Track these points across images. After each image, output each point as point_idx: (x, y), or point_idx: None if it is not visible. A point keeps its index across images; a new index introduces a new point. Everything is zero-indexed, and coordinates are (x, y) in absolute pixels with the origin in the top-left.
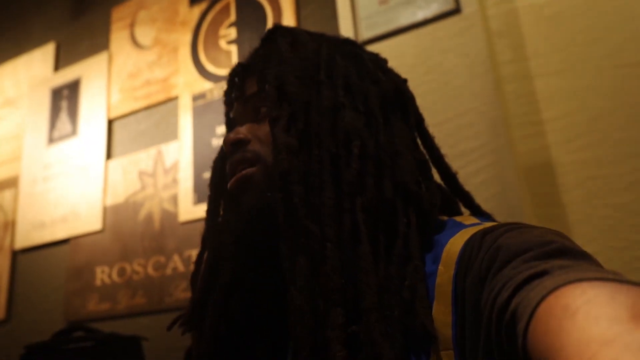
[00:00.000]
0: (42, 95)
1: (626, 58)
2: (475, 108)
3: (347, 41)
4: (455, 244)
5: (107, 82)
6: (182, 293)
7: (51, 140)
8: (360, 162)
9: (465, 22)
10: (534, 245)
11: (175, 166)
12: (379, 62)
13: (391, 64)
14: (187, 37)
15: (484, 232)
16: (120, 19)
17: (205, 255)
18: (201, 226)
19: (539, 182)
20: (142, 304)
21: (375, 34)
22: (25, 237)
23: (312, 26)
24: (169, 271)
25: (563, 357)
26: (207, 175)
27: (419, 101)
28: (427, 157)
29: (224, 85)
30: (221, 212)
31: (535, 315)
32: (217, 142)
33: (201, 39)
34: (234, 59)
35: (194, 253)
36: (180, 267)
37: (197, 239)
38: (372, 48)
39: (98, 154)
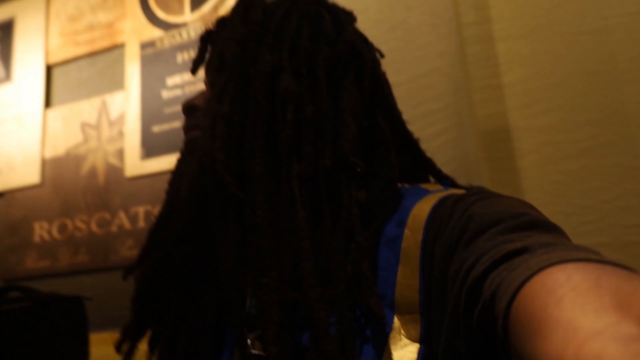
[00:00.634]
0: None
1: (586, 25)
2: (439, 68)
3: (313, 0)
4: (421, 208)
5: (45, 24)
6: (129, 251)
7: None
8: (295, 128)
9: None
10: (506, 217)
11: (121, 118)
12: (341, 22)
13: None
14: None
15: (456, 200)
16: None
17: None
18: (149, 182)
19: (495, 147)
20: (85, 261)
21: None
22: None
23: None
24: (114, 228)
25: (549, 345)
26: (156, 128)
27: (382, 60)
28: (386, 126)
29: (175, 34)
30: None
31: (518, 297)
32: (168, 94)
33: None
34: (187, 7)
35: (141, 210)
36: (127, 224)
37: (145, 196)
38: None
39: (35, 102)
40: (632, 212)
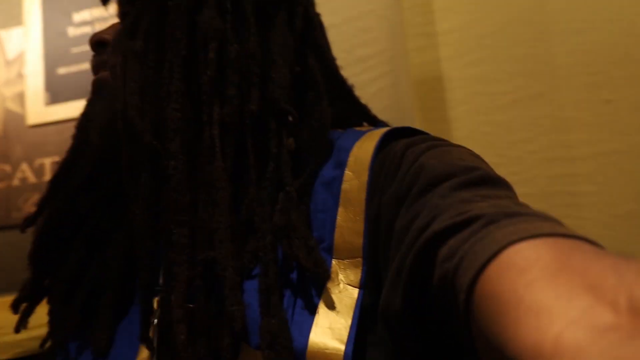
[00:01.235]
0: None
1: None
2: (375, 11)
3: None
4: (364, 148)
5: None
6: (34, 207)
7: None
8: (218, 69)
9: None
10: (458, 170)
11: (20, 58)
12: None
13: None
14: None
15: (406, 146)
16: None
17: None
18: (56, 130)
19: (428, 96)
20: None
21: None
22: None
23: None
24: (16, 182)
25: (522, 331)
26: (62, 70)
27: (316, 2)
28: (318, 70)
29: None
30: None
31: (484, 273)
32: (75, 31)
33: None
34: None
35: (47, 161)
36: (31, 178)
37: (51, 146)
38: None
39: None
40: (558, 163)
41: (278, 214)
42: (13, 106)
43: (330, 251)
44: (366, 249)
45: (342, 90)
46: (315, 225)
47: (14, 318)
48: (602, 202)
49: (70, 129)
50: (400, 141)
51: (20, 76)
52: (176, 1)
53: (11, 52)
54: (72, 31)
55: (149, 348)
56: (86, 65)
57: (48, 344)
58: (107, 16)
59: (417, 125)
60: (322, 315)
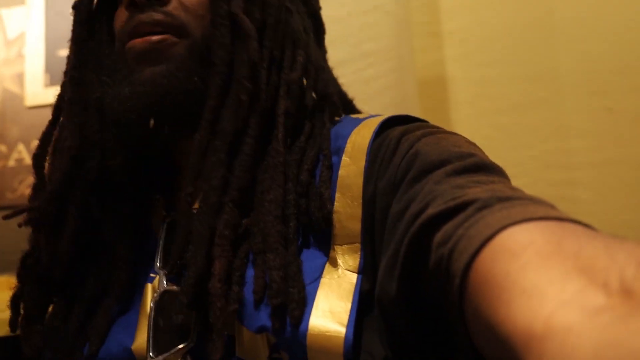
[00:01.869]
0: None
1: None
2: (382, 6)
3: None
4: (361, 134)
5: None
6: (28, 188)
7: None
8: (302, 73)
9: None
10: (452, 157)
11: (21, 38)
12: None
13: None
14: None
15: (402, 133)
16: None
17: (62, 133)
18: None
19: (432, 96)
20: None
21: None
22: None
23: None
24: (11, 162)
25: (515, 311)
26: (63, 53)
27: None
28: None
29: None
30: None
31: (478, 257)
32: None
33: None
34: None
35: None
36: (27, 159)
37: None
38: None
39: None
40: (558, 170)
41: (305, 172)
42: (12, 86)
43: (329, 237)
44: (364, 234)
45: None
46: None
47: (8, 299)
48: (600, 210)
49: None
50: (397, 128)
51: (20, 56)
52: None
53: (12, 32)
54: None
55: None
56: None
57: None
58: None
59: None
60: (322, 299)
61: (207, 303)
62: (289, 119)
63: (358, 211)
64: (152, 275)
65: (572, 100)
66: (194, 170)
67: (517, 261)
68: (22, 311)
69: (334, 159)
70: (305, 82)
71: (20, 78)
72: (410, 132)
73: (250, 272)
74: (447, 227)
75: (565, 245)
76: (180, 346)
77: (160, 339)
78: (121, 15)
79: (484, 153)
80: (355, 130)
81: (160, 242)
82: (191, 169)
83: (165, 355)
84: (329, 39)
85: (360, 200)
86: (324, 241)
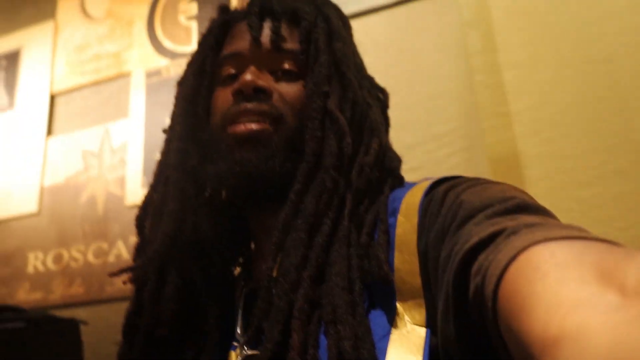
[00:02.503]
0: None
1: (592, 55)
2: (448, 91)
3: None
4: (414, 194)
5: (51, 54)
6: (127, 282)
7: None
8: (375, 157)
9: (441, 3)
10: (495, 201)
11: (124, 146)
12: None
13: (363, 44)
14: (143, 11)
15: (448, 187)
16: None
17: (164, 196)
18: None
19: (506, 173)
20: (79, 293)
21: (346, 12)
22: None
23: None
24: (111, 258)
25: (534, 319)
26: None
27: (392, 82)
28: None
29: (182, 62)
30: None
31: (504, 277)
32: None
33: (159, 13)
34: (194, 36)
35: None
36: (125, 254)
37: None
38: None
39: (37, 130)
40: None
41: (365, 236)
42: (114, 189)
43: (393, 294)
44: (424, 288)
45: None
46: None
47: None
48: None
49: None
50: (445, 184)
51: (122, 162)
52: (358, 94)
53: (117, 141)
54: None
55: None
56: None
57: None
58: None
59: None
60: (393, 355)
61: None
62: (357, 196)
63: (416, 266)
64: (234, 343)
65: None
66: (277, 246)
67: (538, 273)
68: None
69: (391, 220)
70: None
71: (121, 181)
72: (457, 186)
73: (322, 340)
74: (481, 258)
75: (586, 258)
76: None
77: None
78: (222, 96)
79: (531, 197)
80: (409, 192)
81: (240, 311)
82: (274, 245)
83: None
84: (400, 124)
85: (417, 256)
86: (389, 297)
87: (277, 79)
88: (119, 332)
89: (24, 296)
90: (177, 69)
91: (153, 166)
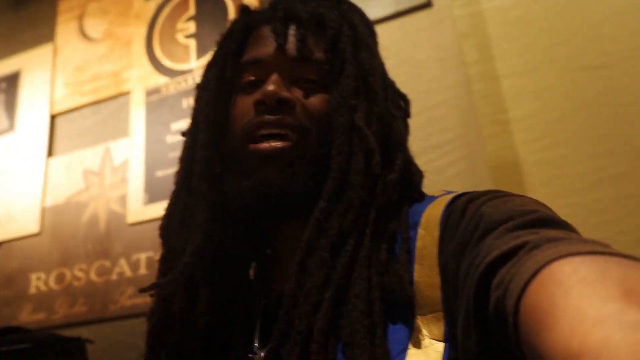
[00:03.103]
0: None
1: (587, 61)
2: (447, 101)
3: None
4: (434, 208)
5: (51, 76)
6: (129, 300)
7: None
8: (399, 175)
9: (437, 15)
10: (515, 214)
11: (124, 164)
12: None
13: None
14: (141, 31)
15: (468, 200)
16: (67, 10)
17: (191, 207)
18: (152, 227)
19: (505, 180)
20: (82, 312)
21: None
22: None
23: None
24: (114, 276)
25: (556, 334)
26: (160, 173)
27: None
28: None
29: (180, 80)
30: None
31: (526, 291)
32: (172, 139)
33: (157, 32)
34: (193, 54)
35: (142, 256)
36: (127, 272)
37: (147, 242)
38: None
39: (38, 151)
40: None
41: (384, 252)
42: (116, 207)
43: (412, 308)
44: (445, 302)
45: None
46: None
47: None
48: None
49: None
50: (465, 196)
51: (123, 180)
52: (384, 107)
53: (117, 160)
54: (170, 138)
55: None
56: None
57: None
58: None
59: None
60: None
61: None
62: (380, 213)
63: (437, 279)
64: (250, 355)
65: None
66: (300, 266)
67: (561, 288)
68: None
69: (411, 233)
70: None
71: (123, 199)
72: (477, 198)
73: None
74: (502, 271)
75: (609, 274)
76: None
77: None
78: (242, 104)
79: (552, 210)
80: (430, 205)
81: (258, 324)
82: (297, 265)
83: None
84: None
85: (437, 269)
86: (407, 312)
87: (300, 89)
88: (123, 350)
89: (27, 317)
90: (177, 86)
91: (154, 183)
